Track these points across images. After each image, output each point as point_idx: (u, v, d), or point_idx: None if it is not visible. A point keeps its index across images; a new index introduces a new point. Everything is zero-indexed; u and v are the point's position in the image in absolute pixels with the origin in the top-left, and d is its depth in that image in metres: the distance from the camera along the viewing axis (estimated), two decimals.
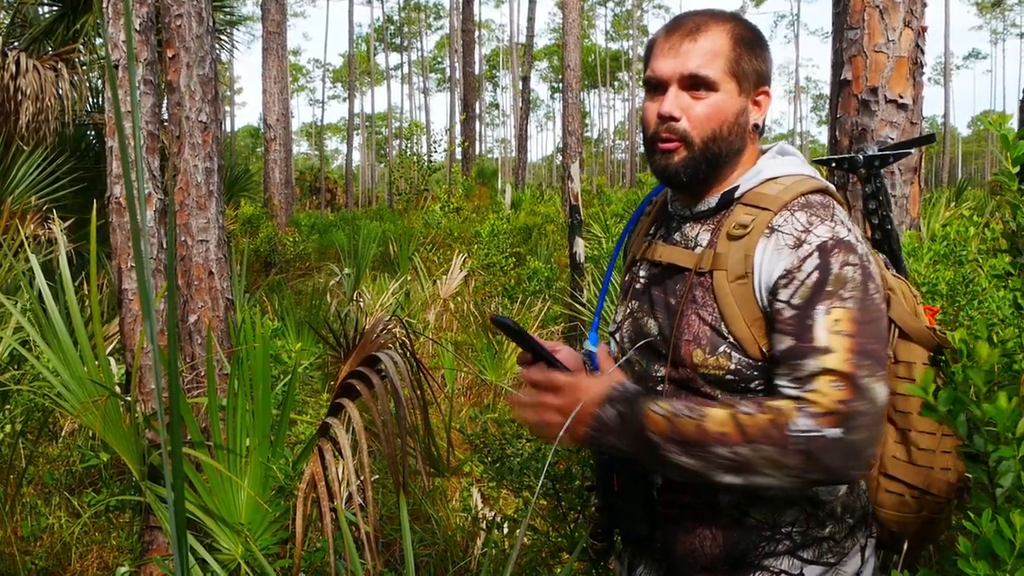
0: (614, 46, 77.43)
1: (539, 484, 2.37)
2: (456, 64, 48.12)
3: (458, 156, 26.17)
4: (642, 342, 1.62)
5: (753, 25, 1.58)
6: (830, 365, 1.38)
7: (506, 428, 2.86)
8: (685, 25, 1.54)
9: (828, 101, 4.28)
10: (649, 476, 1.60)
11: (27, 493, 3.69)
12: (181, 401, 2.93)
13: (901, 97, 3.90)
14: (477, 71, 40.34)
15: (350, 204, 38.44)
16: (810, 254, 1.43)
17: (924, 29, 3.90)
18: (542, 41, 76.22)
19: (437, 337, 6.94)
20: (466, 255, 8.56)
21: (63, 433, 4.47)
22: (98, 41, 8.72)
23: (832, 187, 1.54)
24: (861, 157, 2.34)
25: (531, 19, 28.69)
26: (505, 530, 3.69)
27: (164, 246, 3.29)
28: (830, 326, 1.40)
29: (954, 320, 3.28)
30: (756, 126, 1.58)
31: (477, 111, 33.84)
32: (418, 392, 2.61)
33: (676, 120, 1.52)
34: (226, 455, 2.93)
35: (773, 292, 1.45)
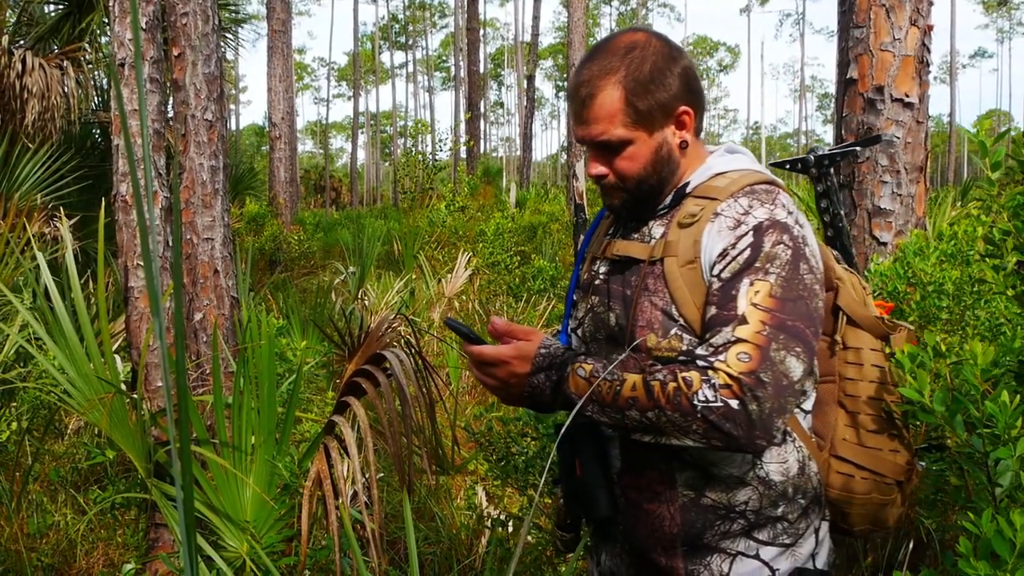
0: None
1: (543, 482, 2.37)
2: (461, 63, 48.10)
3: (463, 155, 26.19)
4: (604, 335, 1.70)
5: (649, 54, 1.60)
6: (742, 335, 1.43)
7: (511, 427, 2.86)
8: (579, 93, 1.61)
9: (834, 100, 4.27)
10: (609, 459, 1.67)
11: (33, 490, 3.70)
12: (188, 398, 2.92)
13: (907, 96, 3.90)
14: (482, 70, 40.33)
15: (355, 202, 38.45)
16: (745, 233, 1.51)
17: (930, 28, 3.89)
18: (547, 40, 76.21)
19: (442, 335, 6.94)
20: (471, 254, 8.56)
21: (69, 430, 4.47)
22: (103, 40, 8.73)
23: (780, 181, 1.61)
24: (812, 157, 2.37)
25: (536, 17, 28.66)
26: (510, 528, 3.69)
27: (170, 244, 3.30)
28: (750, 297, 1.46)
29: (960, 320, 3.27)
30: (683, 143, 1.65)
31: (482, 110, 33.84)
32: (424, 390, 2.61)
33: (604, 177, 1.65)
34: (232, 453, 2.93)
35: (711, 269, 1.53)
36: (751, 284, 1.47)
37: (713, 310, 1.49)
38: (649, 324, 1.57)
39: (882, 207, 3.95)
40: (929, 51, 3.89)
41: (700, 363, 1.46)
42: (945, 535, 3.02)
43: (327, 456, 2.49)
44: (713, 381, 1.41)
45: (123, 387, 3.04)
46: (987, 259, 2.00)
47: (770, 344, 1.42)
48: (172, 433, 0.59)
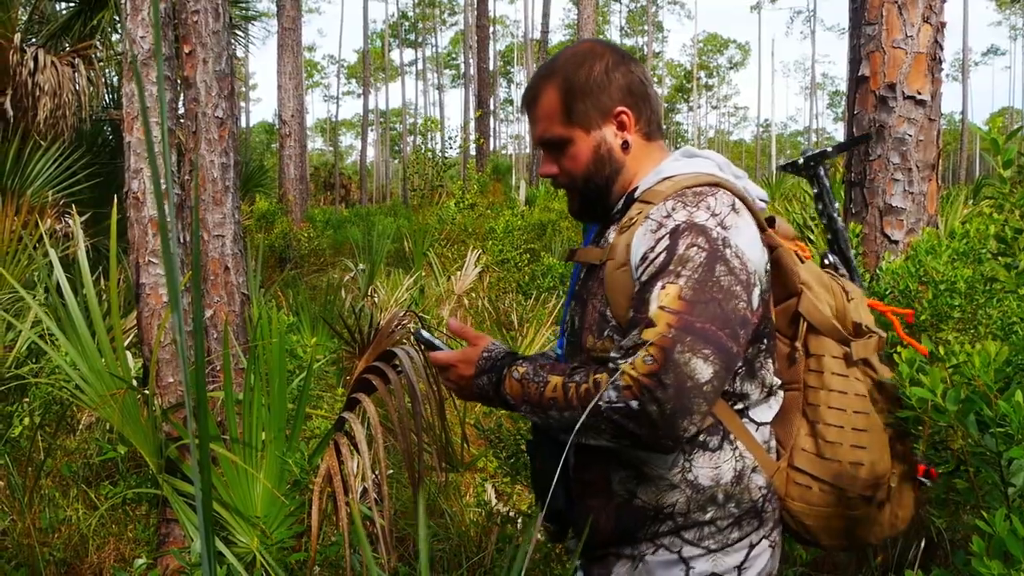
0: (628, 42, 77.20)
1: (554, 480, 2.36)
2: (470, 60, 48.08)
3: (472, 152, 26.18)
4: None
5: (588, 60, 1.70)
6: (648, 337, 1.46)
7: (520, 424, 2.86)
8: (525, 96, 1.76)
9: (845, 98, 4.26)
10: (566, 456, 1.71)
11: (45, 485, 3.71)
12: (205, 394, 2.93)
13: (919, 93, 3.88)
14: (491, 67, 40.34)
15: (364, 200, 38.52)
16: (663, 236, 1.53)
17: (943, 25, 3.87)
18: (557, 37, 76.16)
19: (451, 334, 6.94)
20: (480, 251, 8.56)
21: (81, 426, 4.50)
22: (115, 37, 8.77)
23: (728, 184, 1.61)
24: (801, 159, 2.32)
25: (546, 15, 28.64)
26: (519, 525, 3.69)
27: (181, 241, 3.31)
28: (660, 300, 1.48)
29: (972, 318, 3.25)
30: (624, 143, 1.71)
31: (491, 107, 33.85)
32: (434, 387, 2.61)
33: (554, 175, 1.75)
34: (242, 449, 2.94)
35: (636, 272, 1.57)
36: (662, 287, 1.48)
37: (631, 313, 1.54)
38: (590, 326, 1.64)
39: (894, 205, 3.93)
40: (942, 48, 3.87)
41: (611, 365, 1.51)
42: (956, 535, 3.01)
43: (337, 452, 2.50)
44: (618, 382, 1.46)
45: (134, 383, 3.05)
46: (999, 257, 2.00)
47: (675, 346, 1.43)
48: (191, 427, 0.59)
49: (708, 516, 1.60)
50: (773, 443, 1.68)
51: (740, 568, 1.62)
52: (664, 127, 1.80)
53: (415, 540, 3.26)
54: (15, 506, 3.48)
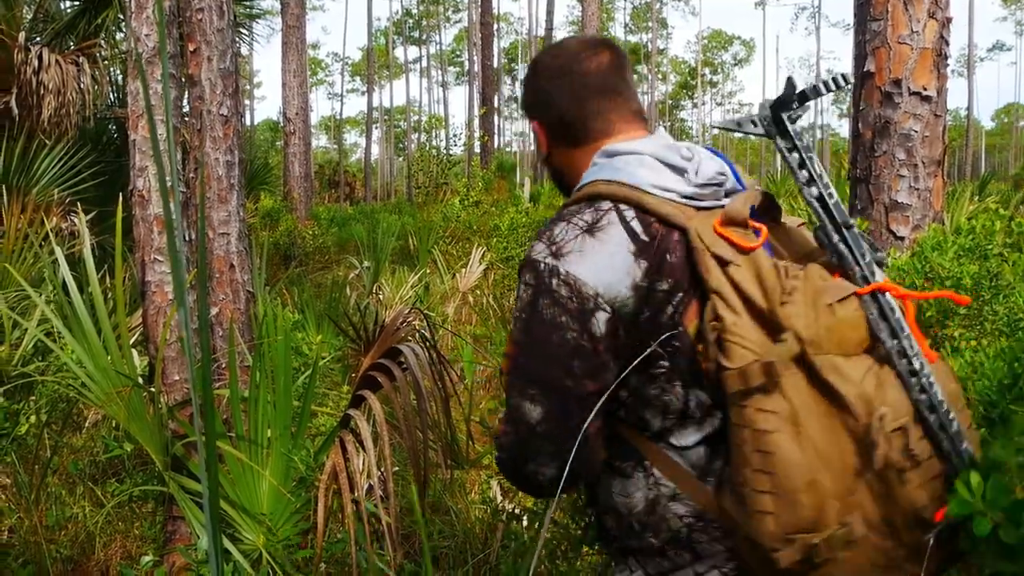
0: (633, 39, 77.07)
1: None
2: (475, 57, 48.07)
3: (477, 150, 26.19)
4: None
5: (539, 58, 1.66)
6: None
7: None
8: None
9: (851, 94, 4.25)
10: None
11: (52, 483, 3.73)
12: (211, 392, 2.94)
13: (925, 89, 3.86)
14: (496, 64, 40.28)
15: (369, 198, 38.54)
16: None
17: (948, 20, 3.86)
18: (561, 34, 76.00)
19: (456, 330, 6.94)
20: (485, 248, 8.56)
21: (87, 424, 4.51)
22: (119, 36, 8.77)
23: (616, 190, 1.45)
24: (758, 113, 1.57)
25: (550, 12, 28.62)
26: (524, 522, 3.69)
27: (187, 239, 3.31)
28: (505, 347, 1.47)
29: (978, 315, 3.25)
30: (543, 154, 1.68)
31: (496, 105, 33.84)
32: (439, 384, 2.61)
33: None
34: (248, 446, 2.95)
35: None
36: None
37: None
38: None
39: (899, 201, 3.92)
40: (947, 44, 3.86)
41: None
42: None
43: (343, 450, 2.50)
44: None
45: (140, 381, 3.06)
46: (1006, 251, 1.96)
47: (509, 392, 1.43)
48: (197, 424, 0.59)
49: (634, 544, 1.50)
50: (718, 464, 1.45)
51: None
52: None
53: (421, 537, 3.26)
54: (22, 503, 3.49)
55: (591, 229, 1.42)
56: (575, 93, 1.58)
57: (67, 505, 3.65)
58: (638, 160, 1.48)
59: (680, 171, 1.47)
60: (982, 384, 2.47)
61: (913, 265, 3.22)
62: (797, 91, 1.40)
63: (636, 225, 1.42)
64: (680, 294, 1.41)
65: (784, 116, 1.41)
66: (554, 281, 1.40)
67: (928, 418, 1.30)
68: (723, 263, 1.38)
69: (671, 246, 1.42)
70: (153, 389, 2.97)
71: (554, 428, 1.40)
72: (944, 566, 1.39)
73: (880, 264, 1.38)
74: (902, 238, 3.94)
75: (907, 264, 3.21)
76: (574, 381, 1.39)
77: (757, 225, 1.42)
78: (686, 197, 1.46)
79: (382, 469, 2.41)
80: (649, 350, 1.42)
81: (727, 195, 1.51)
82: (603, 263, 1.40)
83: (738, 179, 1.56)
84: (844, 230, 1.38)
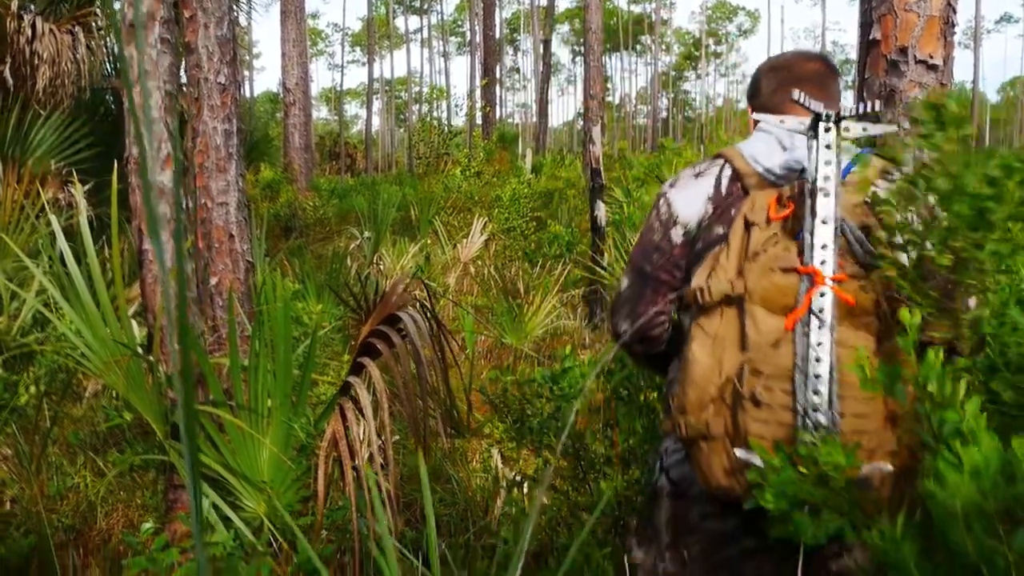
0: (637, 9, 76.47)
1: (560, 444, 2.37)
2: (476, 27, 47.71)
3: (479, 121, 26.01)
4: None
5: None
6: None
7: (526, 389, 2.86)
8: None
9: (856, 63, 4.19)
10: None
11: (52, 453, 3.73)
12: (203, 359, 2.93)
13: (931, 57, 3.80)
14: (497, 35, 39.93)
15: (370, 169, 38.40)
16: None
17: None
18: (563, 3, 75.33)
19: (457, 300, 6.92)
20: (487, 219, 8.52)
21: (87, 394, 4.50)
22: (116, 5, 8.66)
23: (730, 153, 1.94)
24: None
25: None
26: (525, 490, 3.70)
27: (185, 206, 3.29)
28: None
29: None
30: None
31: (497, 75, 33.58)
32: (438, 352, 2.60)
33: None
34: (248, 415, 2.94)
35: None
36: None
37: None
38: None
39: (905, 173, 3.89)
40: (955, 11, 3.79)
41: None
42: None
43: (343, 417, 2.49)
44: None
45: (139, 350, 3.04)
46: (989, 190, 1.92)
47: (625, 271, 2.04)
48: (179, 386, 0.57)
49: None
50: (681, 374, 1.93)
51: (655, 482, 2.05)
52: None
53: (421, 505, 3.26)
54: (23, 474, 3.50)
55: (698, 174, 1.97)
56: (778, 83, 2.02)
57: (68, 475, 3.65)
58: (767, 137, 1.91)
59: (786, 149, 1.88)
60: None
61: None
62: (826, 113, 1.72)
63: (724, 182, 1.91)
64: (723, 239, 1.83)
65: (819, 128, 1.72)
66: (660, 200, 2.00)
67: (797, 381, 1.63)
68: (749, 224, 1.75)
69: (735, 203, 1.86)
70: (152, 358, 2.96)
71: (631, 296, 2.00)
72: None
73: (865, 263, 1.67)
74: None
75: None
76: (652, 267, 1.96)
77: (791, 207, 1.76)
78: (772, 173, 1.86)
79: (382, 437, 2.40)
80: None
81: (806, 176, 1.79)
82: (689, 197, 1.94)
83: (846, 171, 1.79)
84: (814, 217, 1.66)
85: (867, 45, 3.99)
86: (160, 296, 2.97)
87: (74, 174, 5.46)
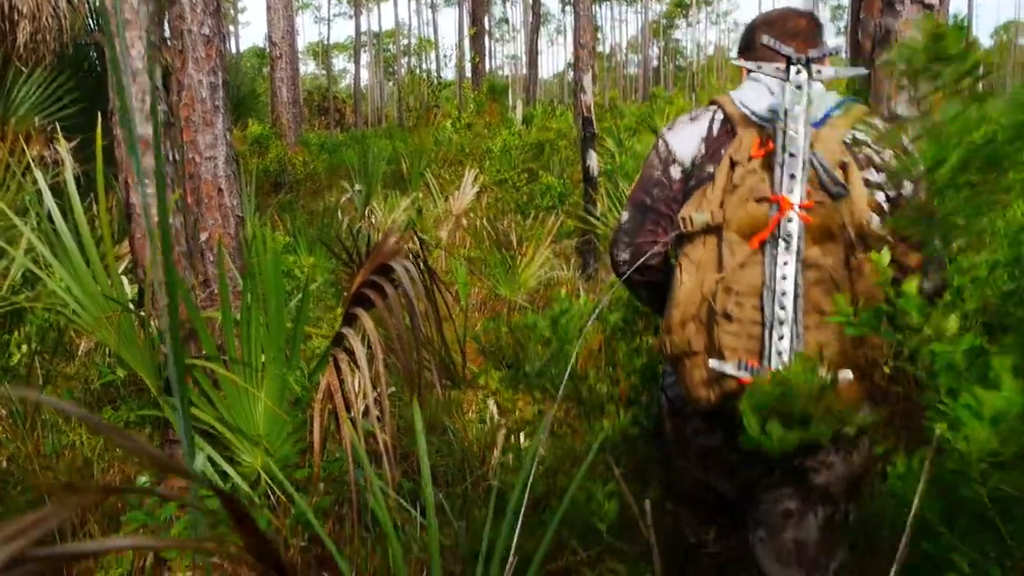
0: None
1: (562, 386, 2.37)
2: None
3: (468, 73, 25.69)
4: None
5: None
6: None
7: (519, 334, 2.84)
8: None
9: (850, 4, 4.12)
10: None
11: (46, 411, 3.72)
12: (193, 313, 2.90)
13: None
14: None
15: (360, 123, 38.05)
16: None
17: None
18: None
19: (450, 252, 6.88)
20: (478, 171, 8.44)
21: (80, 352, 4.48)
22: None
23: (723, 99, 2.11)
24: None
25: None
26: (523, 439, 3.71)
27: (171, 159, 3.23)
28: None
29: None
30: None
31: (487, 27, 33.12)
32: (432, 302, 2.57)
33: None
34: (242, 369, 2.92)
35: None
36: None
37: None
38: None
39: (899, 113, 3.84)
40: None
41: None
42: None
43: (337, 369, 2.47)
44: None
45: (130, 306, 3.02)
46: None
47: (625, 206, 2.19)
48: (168, 342, 0.55)
49: None
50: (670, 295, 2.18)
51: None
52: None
53: (418, 456, 3.26)
54: (18, 433, 3.49)
55: (692, 118, 2.16)
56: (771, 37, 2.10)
57: (63, 433, 3.64)
58: (757, 85, 2.05)
59: (773, 94, 2.00)
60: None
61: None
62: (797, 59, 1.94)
63: (715, 125, 2.09)
64: (712, 177, 2.01)
65: (790, 69, 1.93)
66: (659, 141, 2.17)
67: (765, 299, 1.83)
68: (734, 163, 1.95)
69: (725, 143, 2.03)
70: (143, 313, 2.93)
71: (631, 228, 2.15)
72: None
73: (833, 193, 1.86)
74: None
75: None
76: (652, 200, 2.12)
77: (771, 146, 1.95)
78: (758, 116, 1.99)
79: (377, 388, 2.39)
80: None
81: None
82: (684, 138, 2.13)
83: (827, 114, 1.98)
84: (785, 151, 1.86)
85: None
86: (149, 250, 2.94)
87: (58, 130, 5.38)
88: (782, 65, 1.92)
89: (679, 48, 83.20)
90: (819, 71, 1.91)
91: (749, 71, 2.10)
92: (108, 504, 3.25)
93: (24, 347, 3.61)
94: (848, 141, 1.92)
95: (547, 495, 2.98)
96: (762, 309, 1.83)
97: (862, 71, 2.06)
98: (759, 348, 1.82)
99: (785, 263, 1.82)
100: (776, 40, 1.93)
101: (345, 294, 3.92)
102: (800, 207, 1.83)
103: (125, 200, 3.01)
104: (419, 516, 2.85)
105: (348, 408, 2.44)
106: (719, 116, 2.08)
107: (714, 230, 1.91)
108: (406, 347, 2.29)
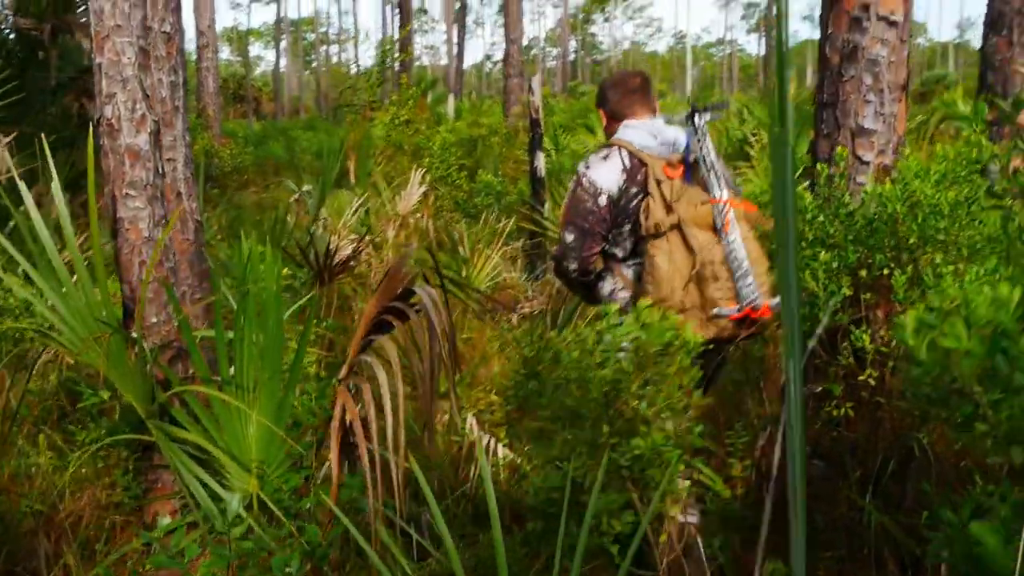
0: None
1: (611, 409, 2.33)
2: None
3: (393, 66, 25.34)
4: None
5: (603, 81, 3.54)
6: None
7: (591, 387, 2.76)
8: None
9: (819, 20, 4.19)
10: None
11: (14, 433, 3.48)
12: (187, 332, 2.75)
13: (892, 14, 3.85)
14: None
15: (279, 114, 37.25)
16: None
17: None
18: None
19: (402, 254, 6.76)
20: (425, 170, 8.33)
21: (38, 364, 4.21)
22: None
23: (623, 141, 3.15)
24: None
25: None
26: (500, 452, 3.70)
27: (159, 171, 3.08)
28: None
29: (955, 240, 3.33)
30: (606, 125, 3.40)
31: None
32: (446, 329, 2.50)
33: None
34: (234, 390, 2.80)
35: None
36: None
37: None
38: None
39: (865, 127, 3.91)
40: None
41: None
42: (935, 449, 3.10)
43: (355, 398, 2.39)
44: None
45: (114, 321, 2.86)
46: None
47: (563, 229, 3.12)
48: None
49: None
50: (639, 275, 3.10)
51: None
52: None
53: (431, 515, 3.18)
54: None
55: (604, 157, 3.12)
56: (621, 96, 3.29)
57: (27, 455, 3.42)
58: (636, 130, 3.13)
59: (654, 137, 3.11)
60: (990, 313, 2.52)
61: (895, 193, 3.28)
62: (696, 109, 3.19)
63: (626, 159, 3.09)
64: (640, 195, 3.05)
65: (695, 117, 3.15)
66: (584, 180, 3.10)
67: (731, 263, 2.93)
68: (659, 182, 3.00)
69: (639, 172, 3.07)
70: (134, 334, 2.78)
71: (577, 245, 3.08)
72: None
73: (736, 191, 3.16)
74: (867, 163, 3.94)
75: (890, 192, 3.28)
76: (589, 224, 3.06)
77: (681, 168, 3.11)
78: (653, 151, 3.10)
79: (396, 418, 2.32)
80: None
81: (675, 151, 3.15)
82: (604, 173, 3.09)
83: (687, 144, 3.16)
84: (710, 170, 3.03)
85: (830, 2, 4.00)
86: (139, 266, 2.79)
87: None
88: (671, 115, 3.25)
89: (596, 43, 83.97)
90: (703, 116, 3.11)
91: (624, 118, 3.20)
92: (81, 533, 3.09)
93: None
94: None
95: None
96: (731, 270, 2.90)
97: (725, 105, 3.52)
98: (734, 295, 2.91)
99: (733, 239, 2.91)
100: (621, 95, 3.24)
101: (358, 316, 3.81)
102: (729, 202, 2.96)
103: (112, 214, 2.85)
104: (419, 539, 2.78)
105: (368, 437, 2.36)
106: (624, 153, 3.07)
107: (675, 227, 2.92)
108: (429, 379, 2.22)
